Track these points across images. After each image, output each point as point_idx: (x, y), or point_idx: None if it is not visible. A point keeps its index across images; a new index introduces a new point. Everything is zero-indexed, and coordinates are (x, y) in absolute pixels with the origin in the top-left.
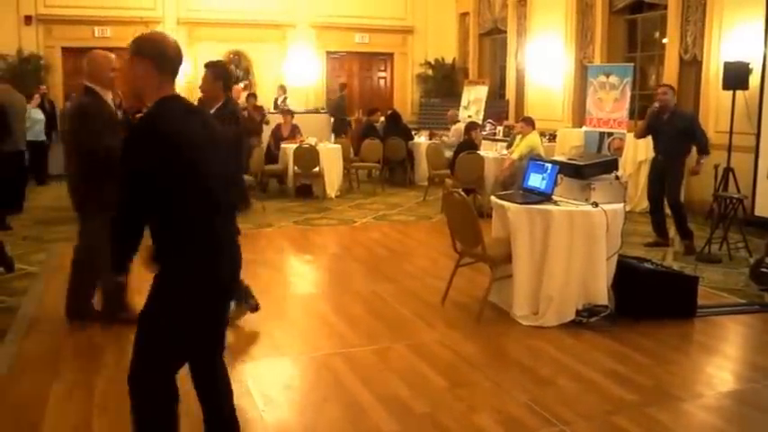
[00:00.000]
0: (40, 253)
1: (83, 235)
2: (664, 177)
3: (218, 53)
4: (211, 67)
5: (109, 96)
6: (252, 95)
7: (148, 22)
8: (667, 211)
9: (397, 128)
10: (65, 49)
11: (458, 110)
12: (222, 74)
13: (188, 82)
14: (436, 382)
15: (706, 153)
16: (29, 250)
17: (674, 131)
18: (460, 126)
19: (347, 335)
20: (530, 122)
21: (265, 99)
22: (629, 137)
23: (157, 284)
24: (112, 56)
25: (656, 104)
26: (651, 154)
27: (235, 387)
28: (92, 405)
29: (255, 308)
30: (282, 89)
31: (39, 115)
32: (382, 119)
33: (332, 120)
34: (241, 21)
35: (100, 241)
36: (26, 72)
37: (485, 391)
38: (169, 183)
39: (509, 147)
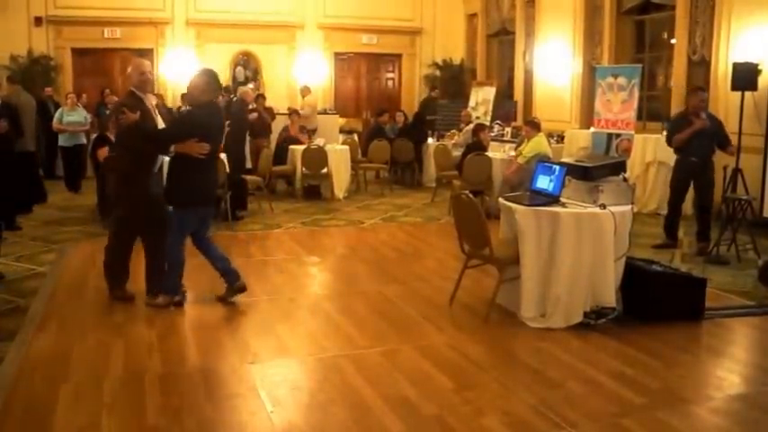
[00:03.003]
0: (49, 253)
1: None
2: (695, 180)
3: (226, 54)
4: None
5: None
6: (261, 96)
7: (158, 23)
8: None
9: (417, 129)
10: (74, 50)
11: (469, 111)
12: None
13: None
14: (443, 384)
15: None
16: (38, 251)
17: (708, 134)
18: (471, 127)
19: (354, 336)
20: (535, 125)
21: (274, 100)
22: (637, 138)
23: None
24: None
25: (704, 115)
26: (659, 156)
27: (242, 388)
28: (101, 405)
29: (242, 289)
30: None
31: (74, 116)
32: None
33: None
34: (249, 22)
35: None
36: (36, 73)
37: (492, 393)
38: None
39: (517, 148)
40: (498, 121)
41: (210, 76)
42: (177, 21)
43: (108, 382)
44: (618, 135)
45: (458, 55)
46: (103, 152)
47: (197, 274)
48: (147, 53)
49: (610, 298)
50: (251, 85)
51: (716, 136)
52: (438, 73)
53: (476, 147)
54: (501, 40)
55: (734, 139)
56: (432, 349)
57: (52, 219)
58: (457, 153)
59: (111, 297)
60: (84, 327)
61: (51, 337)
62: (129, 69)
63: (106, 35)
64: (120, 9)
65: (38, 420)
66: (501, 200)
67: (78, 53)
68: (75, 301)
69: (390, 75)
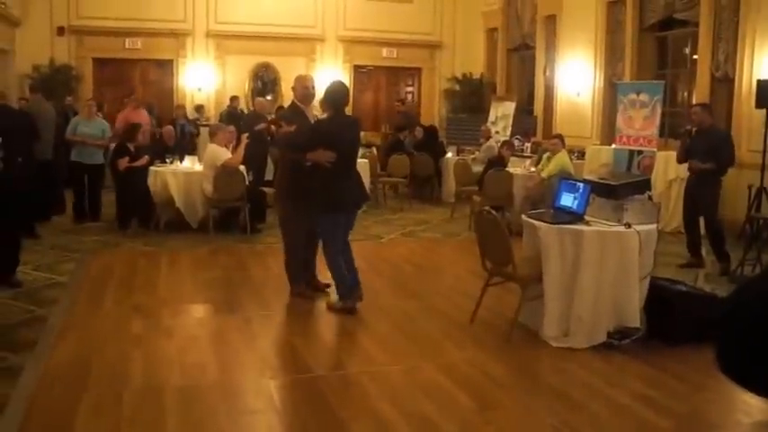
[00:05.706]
0: (68, 262)
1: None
2: (696, 197)
3: (246, 66)
4: None
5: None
6: (281, 107)
7: (178, 34)
8: (703, 231)
9: (432, 144)
10: (95, 60)
11: (488, 126)
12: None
13: (216, 91)
14: (465, 403)
15: (718, 172)
16: (57, 259)
17: (705, 150)
18: (491, 143)
19: (374, 353)
20: (562, 140)
21: None
22: (659, 155)
23: None
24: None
25: (688, 127)
26: (681, 173)
27: (261, 403)
28: (120, 418)
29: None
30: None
31: (89, 128)
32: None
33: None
34: (269, 34)
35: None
36: (57, 82)
37: (514, 414)
38: None
39: (537, 164)
40: (518, 137)
41: (330, 90)
42: (198, 32)
43: (128, 394)
44: (640, 152)
45: (477, 69)
46: (124, 162)
47: (215, 289)
48: (167, 64)
49: (634, 318)
50: (269, 97)
51: (713, 151)
52: (458, 87)
53: (496, 162)
54: (521, 55)
55: (757, 158)
56: (453, 367)
57: (71, 227)
58: (477, 168)
59: (292, 294)
60: (104, 338)
61: (71, 347)
62: (294, 83)
63: (127, 45)
64: (142, 20)
65: None
66: (524, 217)
67: (99, 63)
68: (94, 312)
69: (410, 88)
